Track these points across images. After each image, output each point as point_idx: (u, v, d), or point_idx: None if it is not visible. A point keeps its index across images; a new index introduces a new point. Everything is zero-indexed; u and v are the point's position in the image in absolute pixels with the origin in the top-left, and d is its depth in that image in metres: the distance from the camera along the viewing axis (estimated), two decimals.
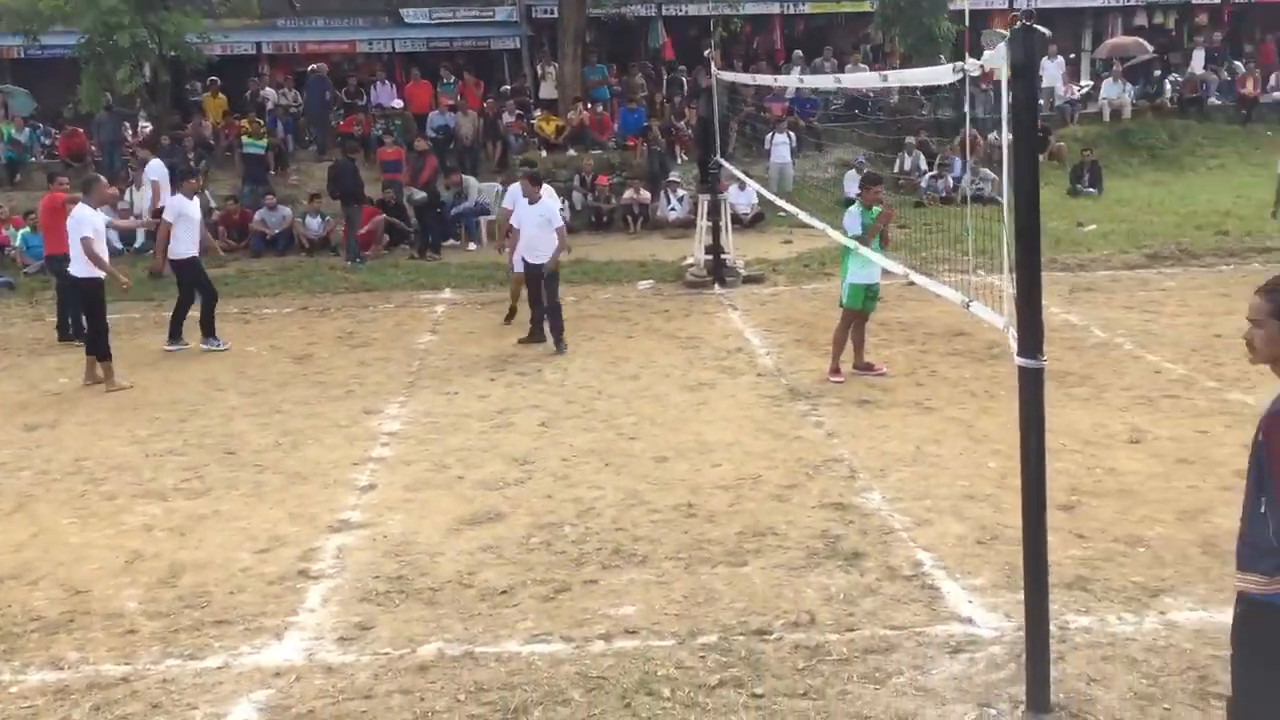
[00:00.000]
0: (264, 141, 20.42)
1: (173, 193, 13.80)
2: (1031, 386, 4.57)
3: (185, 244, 12.10)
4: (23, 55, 24.08)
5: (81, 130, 21.64)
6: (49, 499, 7.69)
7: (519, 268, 12.06)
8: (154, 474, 8.15)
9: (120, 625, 5.77)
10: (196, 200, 12.76)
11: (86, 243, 10.53)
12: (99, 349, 10.67)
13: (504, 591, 6.02)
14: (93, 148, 21.31)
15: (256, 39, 25.89)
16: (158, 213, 14.26)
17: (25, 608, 5.97)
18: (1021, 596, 4.83)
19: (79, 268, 10.68)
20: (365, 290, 15.29)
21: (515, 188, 12.53)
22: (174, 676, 5.23)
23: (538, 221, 11.52)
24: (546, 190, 12.08)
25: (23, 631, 5.70)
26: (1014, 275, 4.52)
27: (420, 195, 18.43)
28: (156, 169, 16.61)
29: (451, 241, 18.58)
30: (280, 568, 6.46)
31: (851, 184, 20.96)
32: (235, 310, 14.14)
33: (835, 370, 9.98)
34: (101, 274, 10.71)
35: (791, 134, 21.20)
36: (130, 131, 21.93)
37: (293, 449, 8.69)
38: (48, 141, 22.46)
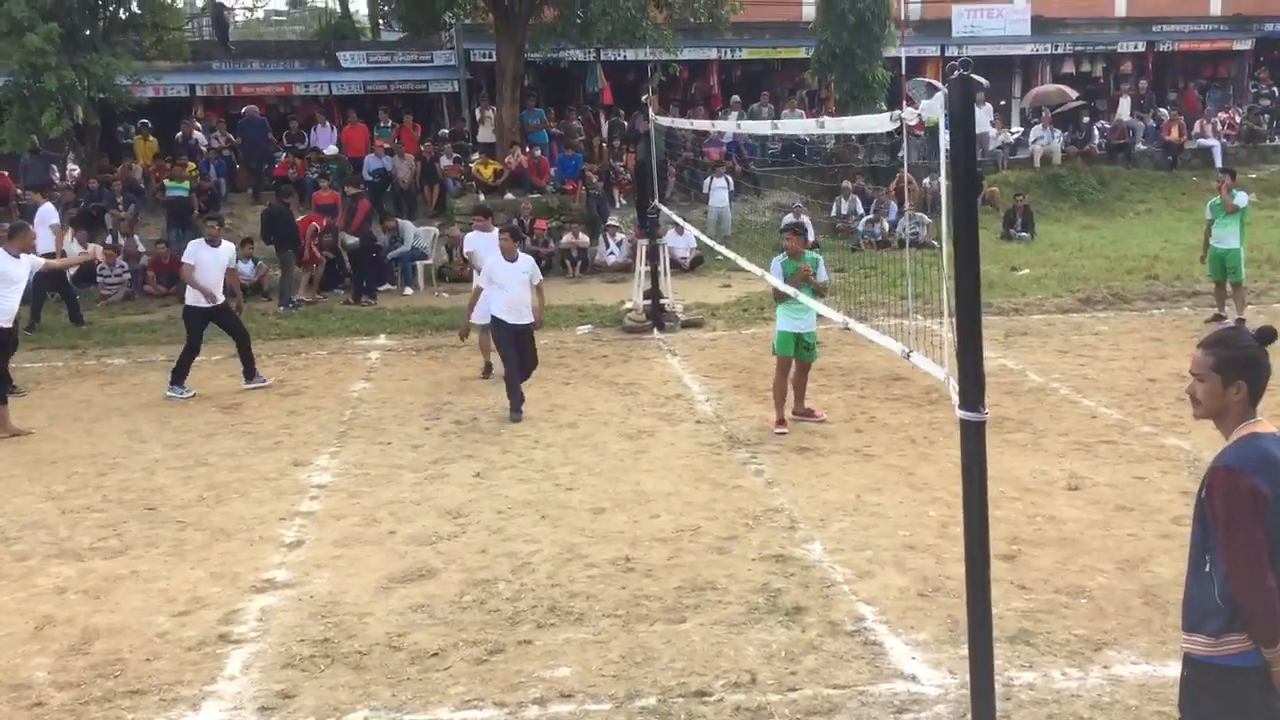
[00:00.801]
0: (186, 184, 20.06)
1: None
2: (974, 439, 4.49)
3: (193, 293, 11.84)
4: None
5: (6, 173, 21.15)
6: None
7: (481, 319, 11.65)
8: (70, 532, 7.82)
9: (28, 697, 5.47)
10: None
11: None
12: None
13: (435, 654, 5.80)
14: (18, 190, 20.80)
15: (190, 80, 25.57)
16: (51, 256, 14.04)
17: None
18: (965, 651, 4.73)
19: None
20: (298, 337, 15.00)
21: (476, 236, 12.28)
22: None
23: (521, 280, 10.58)
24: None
25: None
26: (954, 325, 4.44)
27: (353, 240, 18.18)
28: (49, 213, 16.15)
29: (387, 286, 18.33)
30: (199, 631, 6.18)
31: None
32: (162, 358, 13.74)
33: (780, 421, 9.85)
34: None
35: (729, 178, 21.28)
36: (58, 174, 21.47)
37: (217, 504, 8.40)
38: None
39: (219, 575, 7.00)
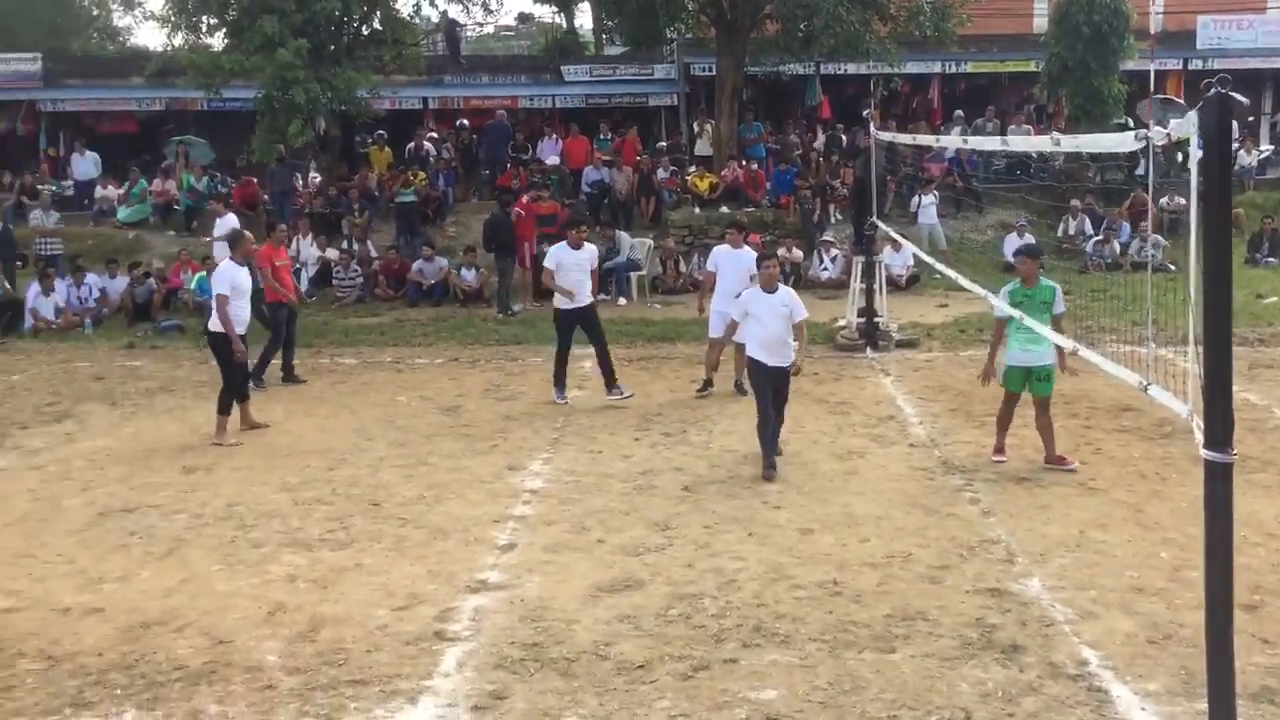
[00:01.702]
0: (411, 190, 20.96)
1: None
2: (1220, 482, 4.20)
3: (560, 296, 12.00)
4: (205, 107, 25.37)
5: (254, 180, 22.62)
6: (200, 544, 7.84)
7: (716, 333, 11.73)
8: (301, 523, 8.25)
9: (260, 679, 5.78)
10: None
11: (220, 300, 10.56)
12: (224, 403, 10.66)
13: (641, 666, 5.83)
14: (265, 197, 22.23)
15: (423, 94, 26.76)
16: None
17: (170, 655, 6.04)
18: (1202, 707, 4.42)
19: (214, 322, 10.69)
20: (515, 343, 15.43)
21: (723, 252, 12.16)
22: None
23: (780, 314, 9.23)
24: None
25: (166, 680, 5.76)
26: (1200, 356, 4.16)
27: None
28: (231, 221, 16.56)
29: (602, 296, 18.62)
30: (417, 627, 6.40)
31: (1011, 246, 20.39)
32: (389, 359, 14.43)
33: (999, 449, 9.45)
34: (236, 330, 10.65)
35: (936, 194, 20.72)
36: (301, 182, 22.80)
37: (436, 503, 8.70)
38: (224, 190, 23.48)
39: (436, 573, 7.23)
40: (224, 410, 10.60)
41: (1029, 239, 20.14)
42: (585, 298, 11.87)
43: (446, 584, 7.05)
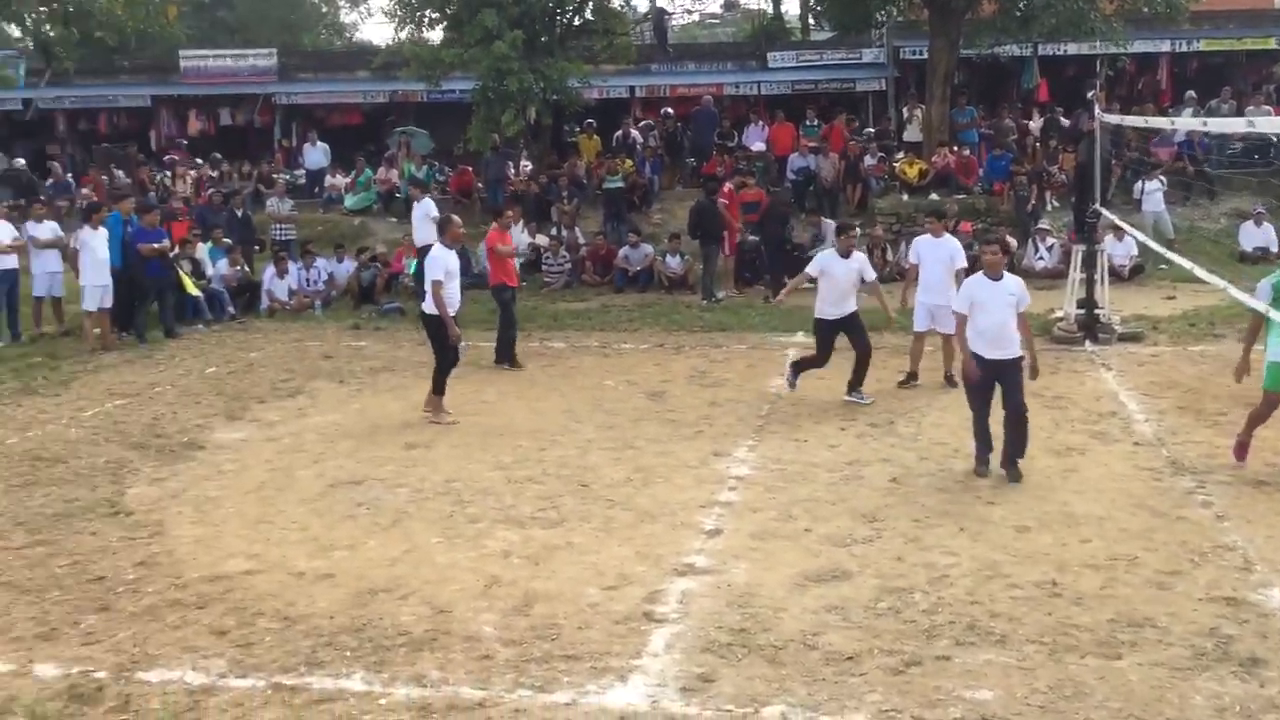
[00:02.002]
0: (619, 177, 21.24)
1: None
2: None
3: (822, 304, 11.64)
4: (425, 99, 26.37)
5: (470, 169, 23.41)
6: (421, 517, 8.18)
7: (920, 325, 11.74)
8: (514, 501, 8.50)
9: (478, 649, 5.99)
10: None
11: (435, 285, 10.81)
12: (437, 383, 10.95)
13: (850, 658, 5.76)
14: (479, 185, 22.98)
15: (630, 82, 27.04)
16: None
17: (394, 622, 6.33)
18: None
19: (428, 304, 10.98)
20: (719, 330, 15.47)
21: (924, 242, 11.92)
22: (525, 707, 5.36)
23: (1006, 304, 8.64)
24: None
25: (391, 645, 6.04)
26: None
27: (752, 238, 18.50)
28: (429, 207, 16.90)
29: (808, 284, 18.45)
30: (626, 607, 6.51)
31: (1248, 236, 19.17)
32: (595, 344, 14.70)
33: (1240, 448, 8.85)
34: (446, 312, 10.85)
35: (1163, 180, 19.59)
36: (513, 170, 23.45)
37: (643, 486, 8.82)
38: (441, 178, 24.41)
39: (644, 555, 7.34)
40: (437, 390, 11.00)
41: (1268, 228, 18.92)
42: (849, 305, 11.23)
43: (654, 566, 7.14)
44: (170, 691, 5.59)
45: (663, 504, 8.35)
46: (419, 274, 14.20)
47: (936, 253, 11.69)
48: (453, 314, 10.97)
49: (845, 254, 11.21)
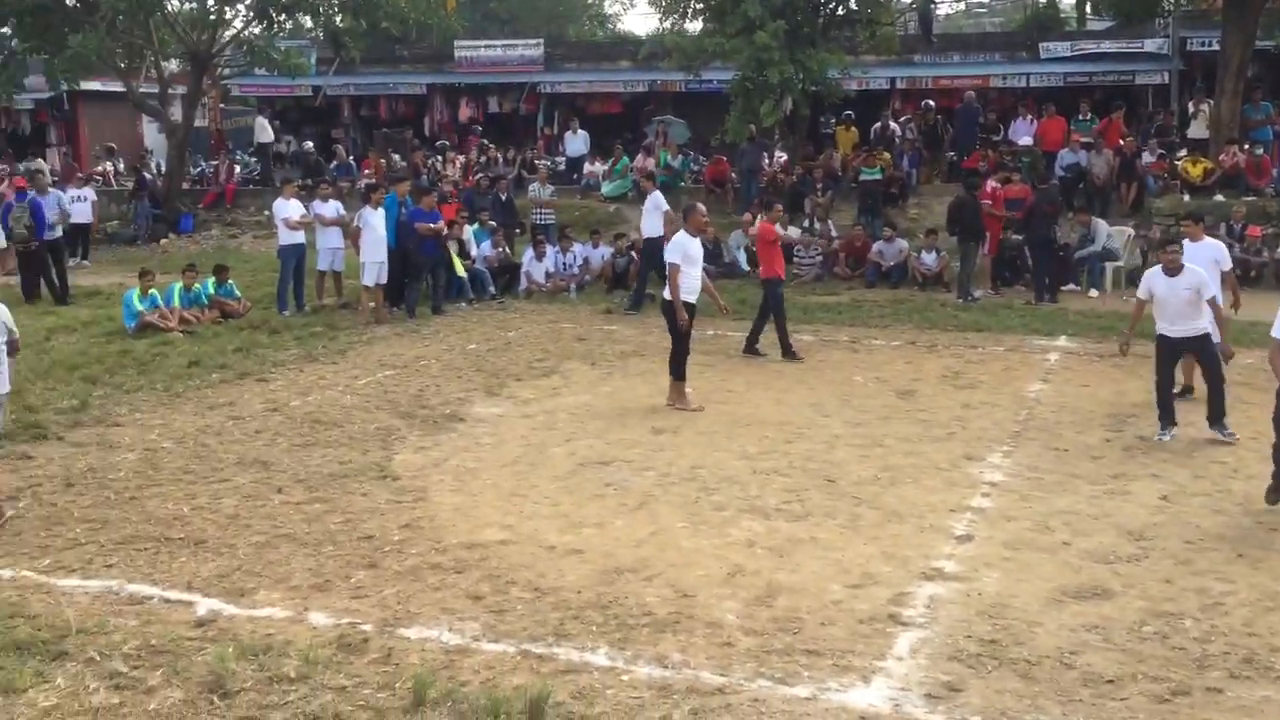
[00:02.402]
0: (877, 168, 20.82)
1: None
2: None
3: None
4: (684, 89, 26.71)
5: (724, 158, 23.52)
6: (666, 501, 8.29)
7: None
8: (759, 491, 8.49)
9: (719, 635, 6.02)
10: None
11: (672, 269, 10.86)
12: (674, 369, 10.98)
13: (1110, 681, 5.46)
14: (733, 175, 23.06)
15: (891, 74, 26.52)
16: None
17: (639, 601, 6.44)
18: None
19: (668, 292, 11.00)
20: (975, 330, 14.96)
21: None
22: (764, 698, 5.34)
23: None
24: None
25: (636, 624, 6.15)
26: None
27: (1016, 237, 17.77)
28: (657, 200, 16.74)
29: (1071, 286, 17.64)
30: (870, 607, 6.39)
31: None
32: (845, 339, 14.50)
33: None
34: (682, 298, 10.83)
35: None
36: (767, 161, 23.42)
37: (891, 485, 8.64)
38: (695, 168, 24.66)
39: (890, 555, 7.19)
40: (676, 375, 11.02)
41: None
42: (1199, 326, 9.83)
43: (901, 567, 6.98)
44: (428, 649, 5.88)
45: (911, 505, 8.16)
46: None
47: (1197, 257, 10.88)
48: (691, 301, 10.99)
49: (1170, 272, 9.79)
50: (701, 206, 11.71)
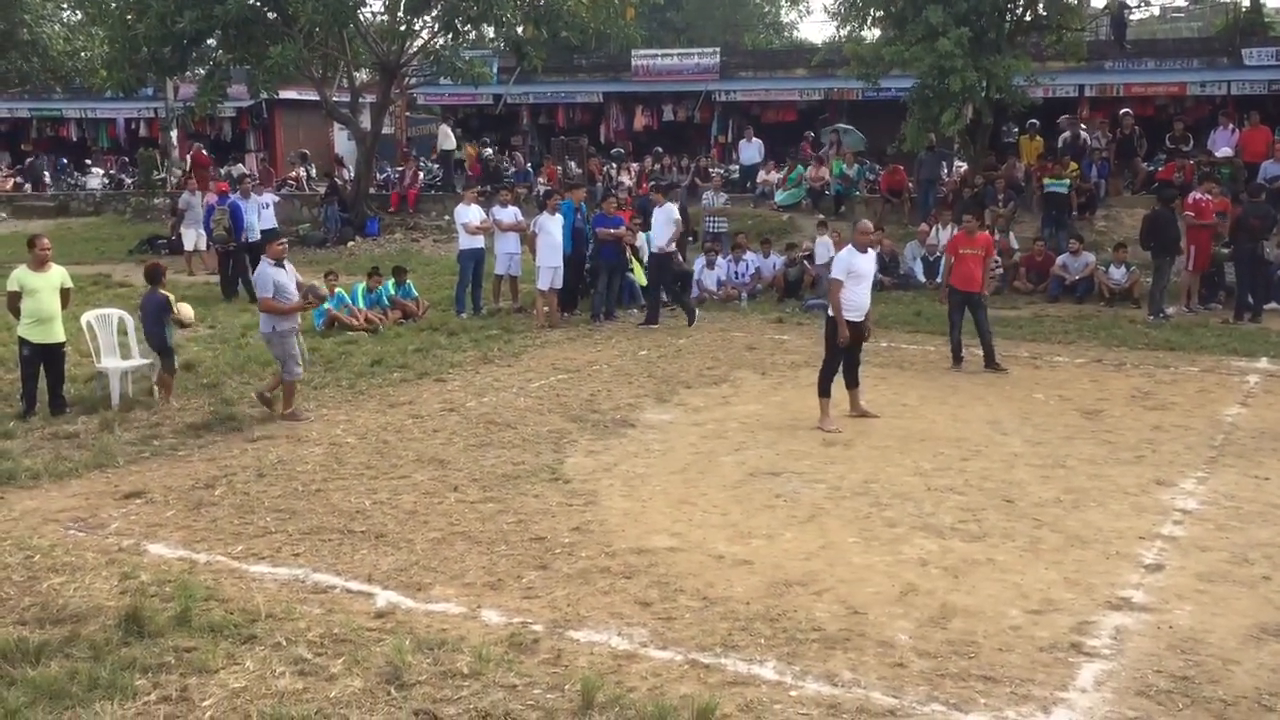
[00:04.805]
0: (1065, 181, 20.06)
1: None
2: None
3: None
4: (860, 97, 26.33)
5: (901, 168, 23.07)
6: (837, 514, 8.15)
7: None
8: (933, 509, 8.27)
9: (891, 655, 5.88)
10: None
11: (834, 284, 10.68)
12: (821, 385, 10.74)
13: None
14: (910, 184, 22.60)
15: (1079, 81, 25.56)
16: None
17: (808, 616, 6.35)
18: None
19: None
20: (1167, 349, 14.25)
21: None
22: None
23: None
24: None
25: (805, 639, 6.06)
26: None
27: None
28: (670, 211, 16.36)
29: (1274, 305, 16.65)
30: (1051, 634, 6.15)
31: None
32: (1025, 354, 14.01)
33: None
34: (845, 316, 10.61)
35: None
36: (947, 171, 22.87)
37: (1074, 508, 8.29)
38: (871, 177, 24.27)
39: (1073, 582, 6.90)
40: (822, 391, 10.73)
41: None
42: None
43: (1085, 595, 6.69)
44: (596, 652, 5.93)
45: (1096, 530, 7.81)
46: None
47: None
48: (853, 318, 10.64)
49: None
50: (866, 222, 11.45)
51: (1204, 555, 7.34)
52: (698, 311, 16.37)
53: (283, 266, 10.93)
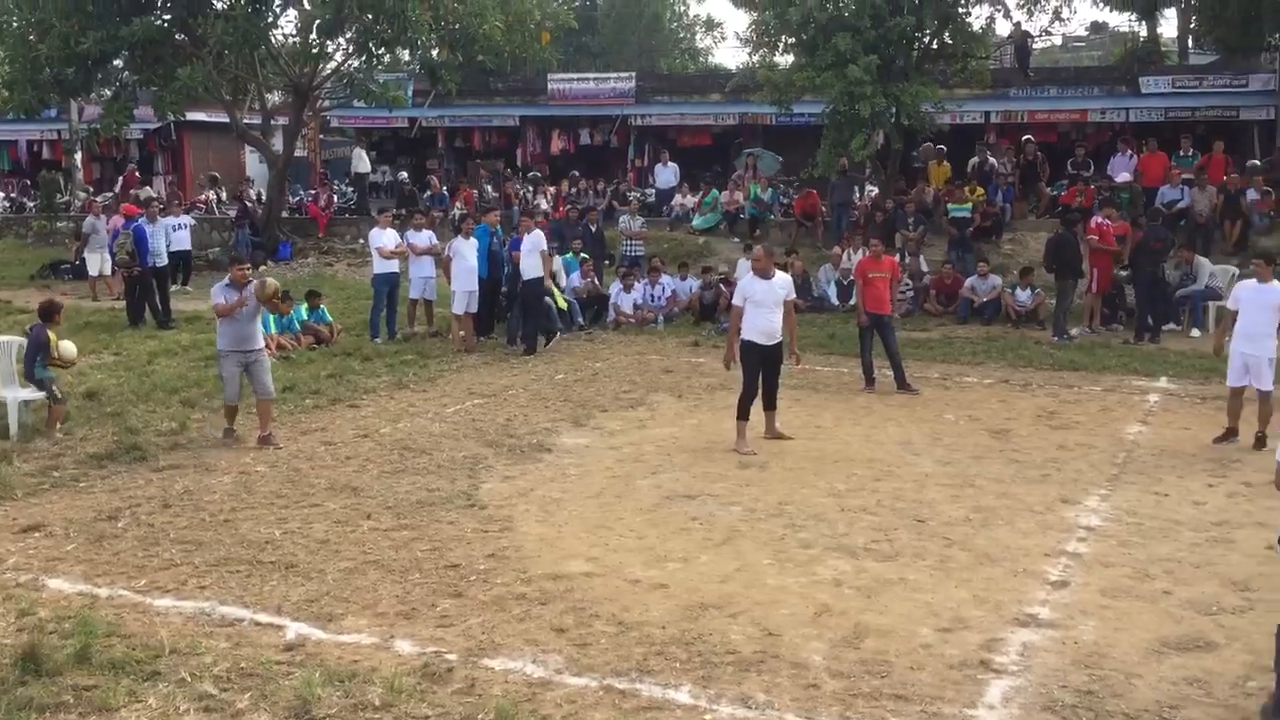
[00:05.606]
0: (968, 206, 20.54)
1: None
2: None
3: None
4: (774, 122, 26.69)
5: (815, 192, 23.40)
6: (752, 536, 8.20)
7: (1234, 380, 10.84)
8: (847, 530, 8.36)
9: (805, 676, 5.92)
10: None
11: (734, 311, 10.94)
12: (740, 410, 10.78)
13: None
14: (823, 208, 22.93)
15: (985, 108, 26.23)
16: None
17: (724, 639, 6.37)
18: None
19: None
20: (1071, 369, 14.62)
21: (1246, 287, 10.95)
22: None
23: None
24: None
25: (720, 662, 6.07)
26: None
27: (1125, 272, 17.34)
28: (537, 240, 15.73)
29: (1172, 325, 17.19)
30: (961, 652, 6.24)
31: None
32: (936, 375, 14.27)
33: None
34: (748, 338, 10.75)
35: None
36: (858, 195, 23.26)
37: (983, 527, 8.45)
38: (785, 201, 24.58)
39: (982, 599, 7.02)
40: (741, 415, 10.74)
41: None
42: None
43: (993, 612, 6.81)
44: (511, 681, 5.88)
45: (1004, 548, 7.97)
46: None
47: (1260, 299, 10.63)
48: (759, 341, 10.67)
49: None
50: (759, 248, 11.47)
51: (1107, 571, 7.53)
52: (555, 339, 16.19)
53: (239, 289, 10.71)
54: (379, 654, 6.20)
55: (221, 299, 10.66)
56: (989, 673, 5.99)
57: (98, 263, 21.46)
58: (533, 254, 15.61)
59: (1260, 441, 10.54)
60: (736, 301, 10.87)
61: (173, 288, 20.01)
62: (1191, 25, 29.35)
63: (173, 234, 20.84)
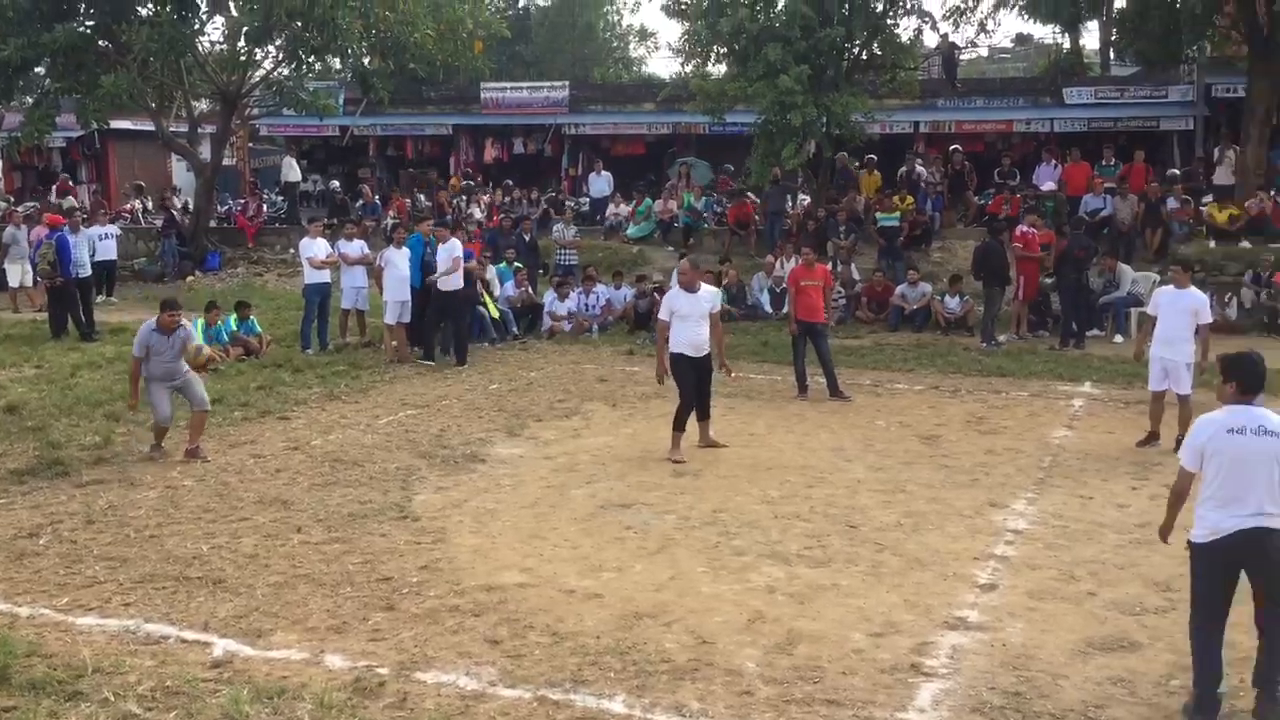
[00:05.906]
0: (896, 215, 20.84)
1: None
2: None
3: None
4: (707, 131, 26.83)
5: (748, 201, 23.56)
6: (686, 545, 8.22)
7: (1155, 384, 11.15)
8: (780, 536, 8.41)
9: (739, 683, 5.94)
10: None
11: (659, 325, 11.07)
12: (677, 421, 10.80)
13: None
14: (757, 217, 23.09)
15: (915, 118, 26.61)
16: None
17: (658, 648, 6.37)
18: None
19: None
20: (999, 375, 14.88)
21: (1164, 293, 11.31)
22: None
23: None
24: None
25: (654, 671, 6.08)
26: None
27: (1050, 280, 17.68)
28: (452, 248, 15.60)
29: (1095, 332, 17.55)
30: (892, 656, 6.31)
31: None
32: (868, 382, 14.43)
33: None
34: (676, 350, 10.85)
35: None
36: (791, 204, 23.46)
37: (913, 532, 8.55)
38: (719, 210, 24.71)
39: (912, 604, 7.10)
40: (677, 426, 10.76)
41: None
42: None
43: (924, 616, 6.89)
44: (444, 694, 5.83)
45: (934, 552, 8.07)
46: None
47: (1177, 304, 10.94)
48: (687, 354, 10.72)
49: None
50: (685, 263, 11.44)
51: (1034, 573, 7.65)
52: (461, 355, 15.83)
53: (166, 334, 10.41)
54: (309, 669, 6.11)
55: (149, 343, 10.36)
56: (919, 676, 6.06)
57: (19, 274, 20.96)
58: (446, 262, 15.41)
59: (1180, 444, 10.77)
60: (663, 316, 10.91)
61: (97, 299, 19.61)
62: (1113, 38, 29.98)
63: (98, 244, 20.44)
